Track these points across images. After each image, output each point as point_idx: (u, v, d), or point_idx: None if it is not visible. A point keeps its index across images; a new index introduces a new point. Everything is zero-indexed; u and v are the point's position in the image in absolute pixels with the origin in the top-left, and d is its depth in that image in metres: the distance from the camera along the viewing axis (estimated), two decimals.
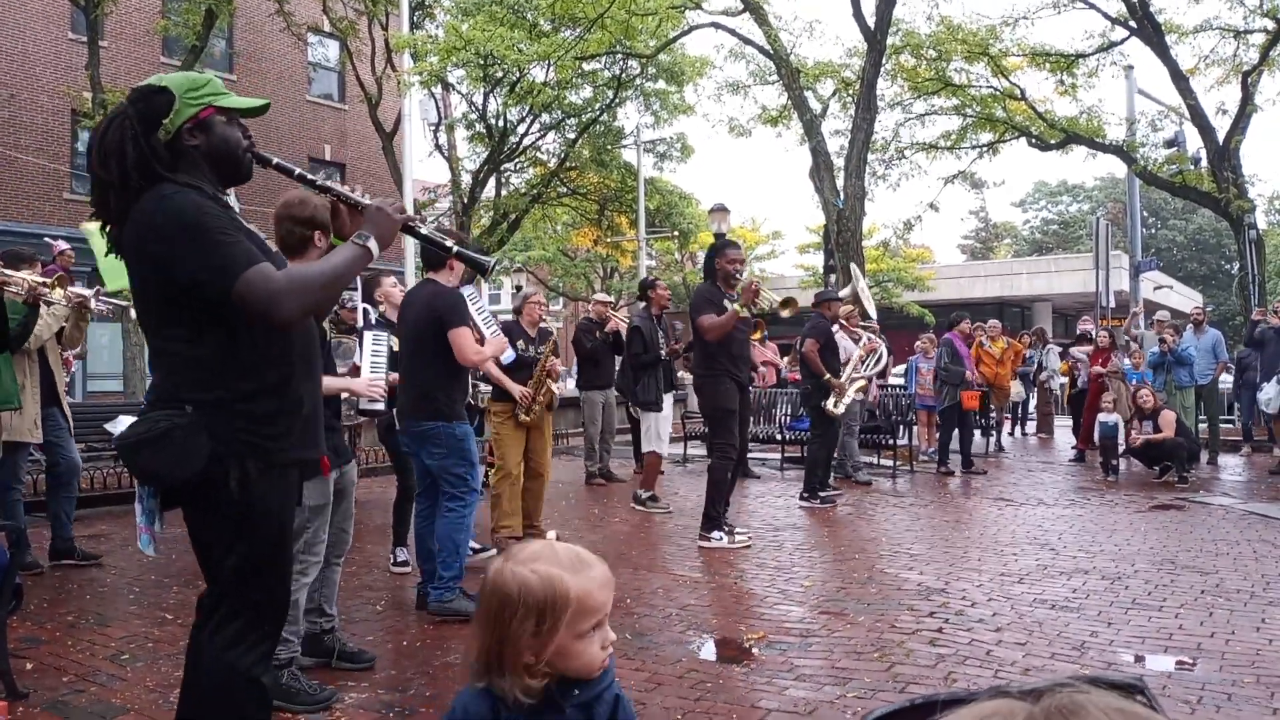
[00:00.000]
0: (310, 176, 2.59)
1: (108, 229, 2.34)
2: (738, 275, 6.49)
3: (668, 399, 8.71)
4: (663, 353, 8.56)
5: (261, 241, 2.43)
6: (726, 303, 6.33)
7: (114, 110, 2.36)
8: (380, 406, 4.69)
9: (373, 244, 2.40)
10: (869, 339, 9.16)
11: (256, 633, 2.35)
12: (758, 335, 10.10)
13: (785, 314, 6.74)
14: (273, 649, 2.43)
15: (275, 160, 2.52)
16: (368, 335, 4.69)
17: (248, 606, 2.34)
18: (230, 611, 2.33)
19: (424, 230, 2.70)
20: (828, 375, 8.22)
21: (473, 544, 5.82)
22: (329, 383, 3.62)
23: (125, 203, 2.27)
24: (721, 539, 6.31)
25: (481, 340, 5.16)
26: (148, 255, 2.25)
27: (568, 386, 14.17)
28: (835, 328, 8.85)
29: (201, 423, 2.23)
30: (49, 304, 5.42)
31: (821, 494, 8.14)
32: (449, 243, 2.79)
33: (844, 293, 10.43)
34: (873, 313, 10.07)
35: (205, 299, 2.22)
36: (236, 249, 2.22)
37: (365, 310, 5.17)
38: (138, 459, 2.28)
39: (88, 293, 5.75)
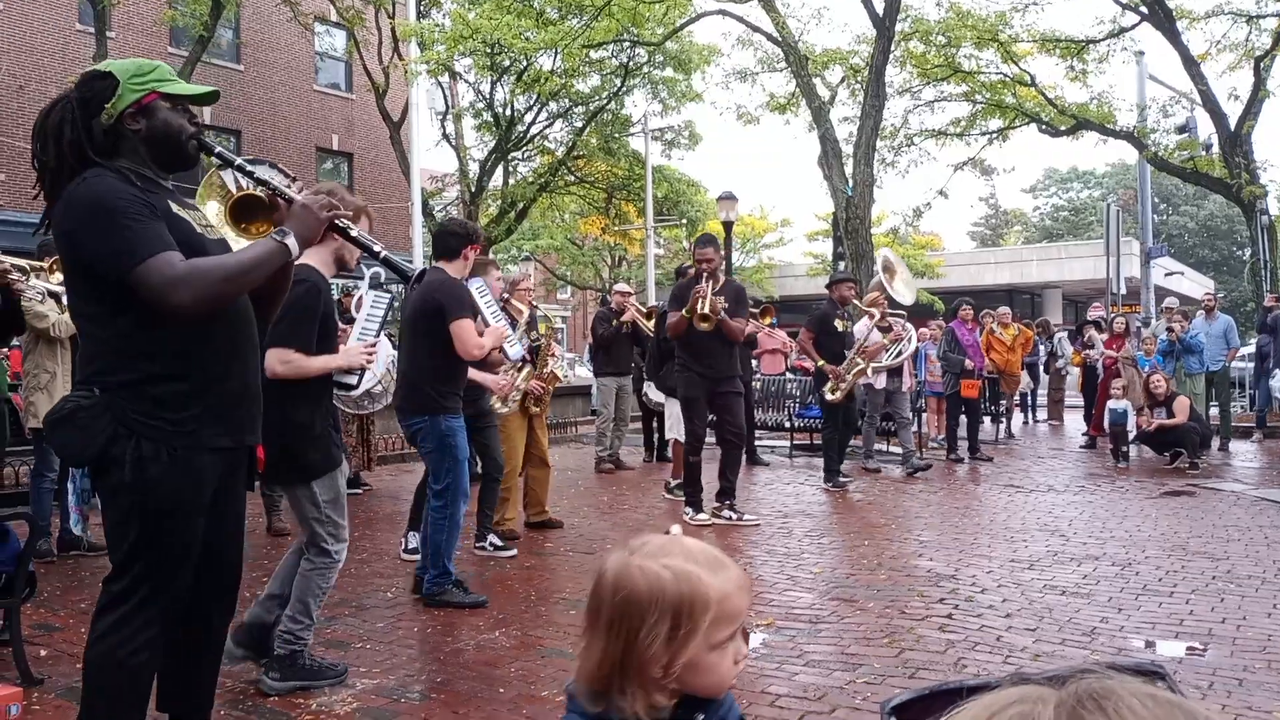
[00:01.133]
0: (249, 168, 2.58)
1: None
2: (704, 272, 6.63)
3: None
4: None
5: (190, 230, 2.40)
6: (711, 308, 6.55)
7: (60, 94, 2.40)
8: (354, 380, 4.13)
9: (291, 241, 2.39)
10: (900, 327, 9.03)
11: (141, 619, 2.33)
12: (767, 320, 10.07)
13: (703, 326, 6.62)
14: (157, 639, 2.37)
15: (218, 149, 2.54)
16: (368, 296, 4.43)
17: (136, 592, 2.33)
18: (117, 596, 2.33)
19: (353, 232, 2.63)
20: (821, 362, 8.27)
21: (494, 539, 5.79)
22: (312, 364, 3.50)
23: (59, 185, 2.32)
24: (688, 514, 6.72)
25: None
26: (65, 239, 2.30)
27: (576, 373, 14.16)
28: (866, 317, 8.85)
29: (106, 404, 2.27)
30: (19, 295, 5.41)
31: (838, 478, 8.33)
32: (376, 247, 2.68)
33: (872, 281, 10.32)
34: (905, 300, 9.70)
35: (107, 282, 2.25)
36: (143, 234, 2.22)
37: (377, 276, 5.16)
38: (52, 438, 2.39)
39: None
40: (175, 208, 2.39)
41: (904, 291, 9.70)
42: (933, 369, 11.64)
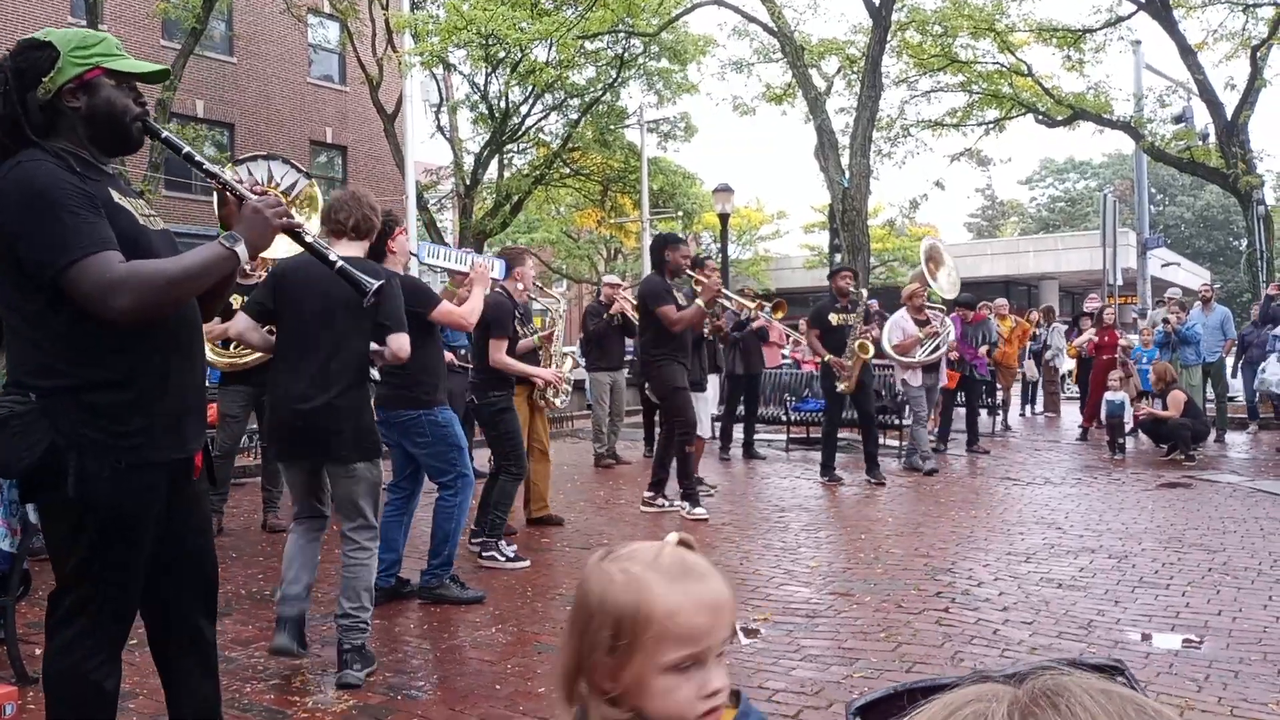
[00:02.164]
0: (199, 158, 2.42)
1: None
2: (686, 270, 6.84)
3: (712, 380, 8.52)
4: (705, 331, 8.10)
5: (132, 220, 2.20)
6: (695, 300, 6.70)
7: None
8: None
9: (240, 248, 2.21)
10: (938, 321, 8.87)
11: (97, 637, 2.20)
12: (779, 315, 10.01)
13: (761, 321, 7.05)
14: (116, 653, 2.25)
15: (165, 134, 2.36)
16: (421, 253, 4.67)
17: (86, 608, 2.18)
18: (69, 611, 2.19)
19: (308, 238, 2.48)
20: (828, 356, 8.23)
21: (504, 548, 5.52)
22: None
23: None
24: (663, 504, 6.85)
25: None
26: None
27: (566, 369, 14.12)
28: (903, 309, 8.82)
29: (43, 412, 2.07)
30: None
31: (831, 473, 8.33)
32: (332, 256, 2.57)
33: (912, 273, 10.17)
34: (946, 294, 9.41)
35: (43, 278, 2.04)
36: (80, 228, 2.02)
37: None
38: None
39: None
40: (116, 196, 2.18)
41: (946, 285, 9.38)
42: None
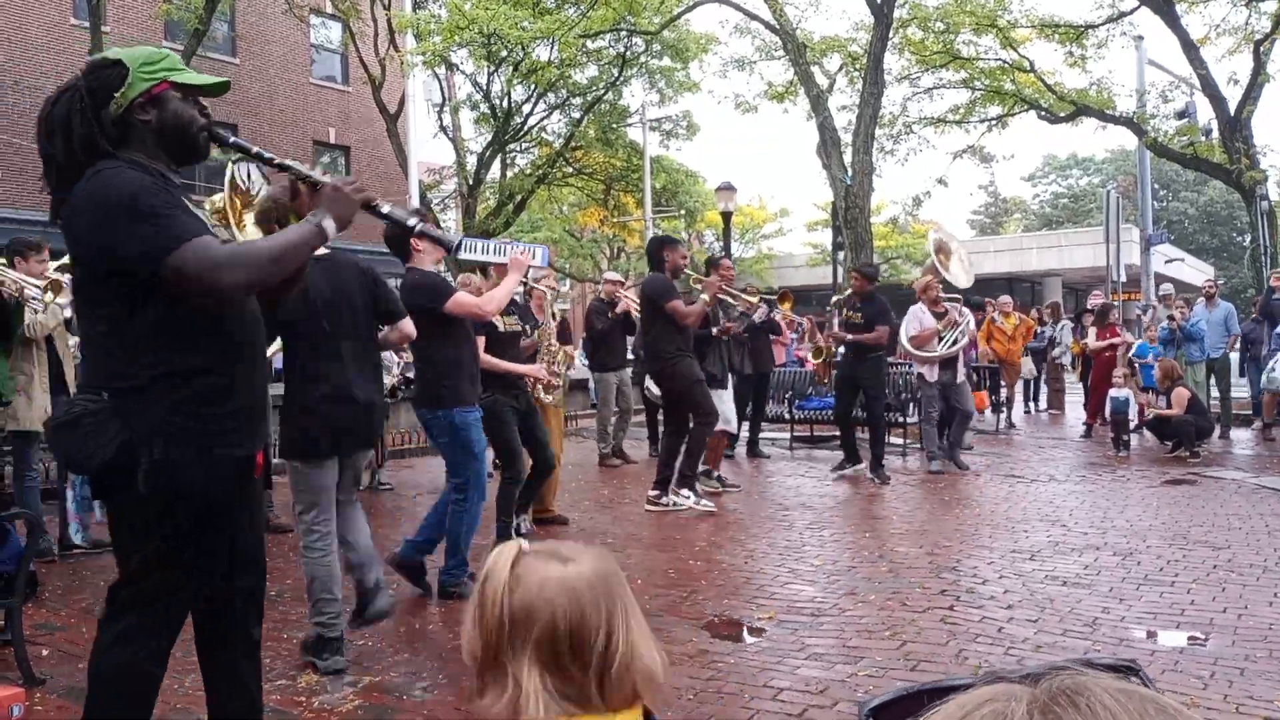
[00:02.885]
0: (268, 155, 2.53)
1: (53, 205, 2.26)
2: (685, 270, 7.11)
3: (730, 384, 8.40)
4: (714, 330, 7.94)
5: (206, 225, 2.31)
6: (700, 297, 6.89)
7: (66, 83, 2.28)
8: None
9: (328, 223, 2.34)
10: (956, 312, 8.67)
11: (154, 626, 2.26)
12: (787, 305, 10.02)
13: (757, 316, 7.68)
14: (166, 649, 2.30)
15: (232, 139, 2.47)
16: (463, 250, 4.67)
17: (146, 602, 2.24)
18: (129, 600, 2.25)
19: (385, 209, 2.58)
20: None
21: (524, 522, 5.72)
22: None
23: (69, 179, 2.20)
24: (690, 498, 6.76)
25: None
26: (77, 234, 2.18)
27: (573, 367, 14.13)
28: (919, 303, 8.76)
29: (116, 410, 2.15)
30: (26, 302, 5.41)
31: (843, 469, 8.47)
32: (411, 221, 2.66)
33: (924, 265, 10.03)
34: (960, 283, 9.15)
35: (135, 278, 2.14)
36: (173, 223, 2.14)
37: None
38: (56, 444, 2.27)
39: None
40: (190, 204, 2.30)
41: (960, 274, 9.19)
42: None
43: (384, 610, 3.89)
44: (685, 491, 6.77)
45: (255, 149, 2.52)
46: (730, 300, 8.04)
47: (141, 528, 2.23)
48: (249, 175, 5.31)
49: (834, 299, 9.32)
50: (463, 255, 5.20)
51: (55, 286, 5.41)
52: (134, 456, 2.14)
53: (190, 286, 2.13)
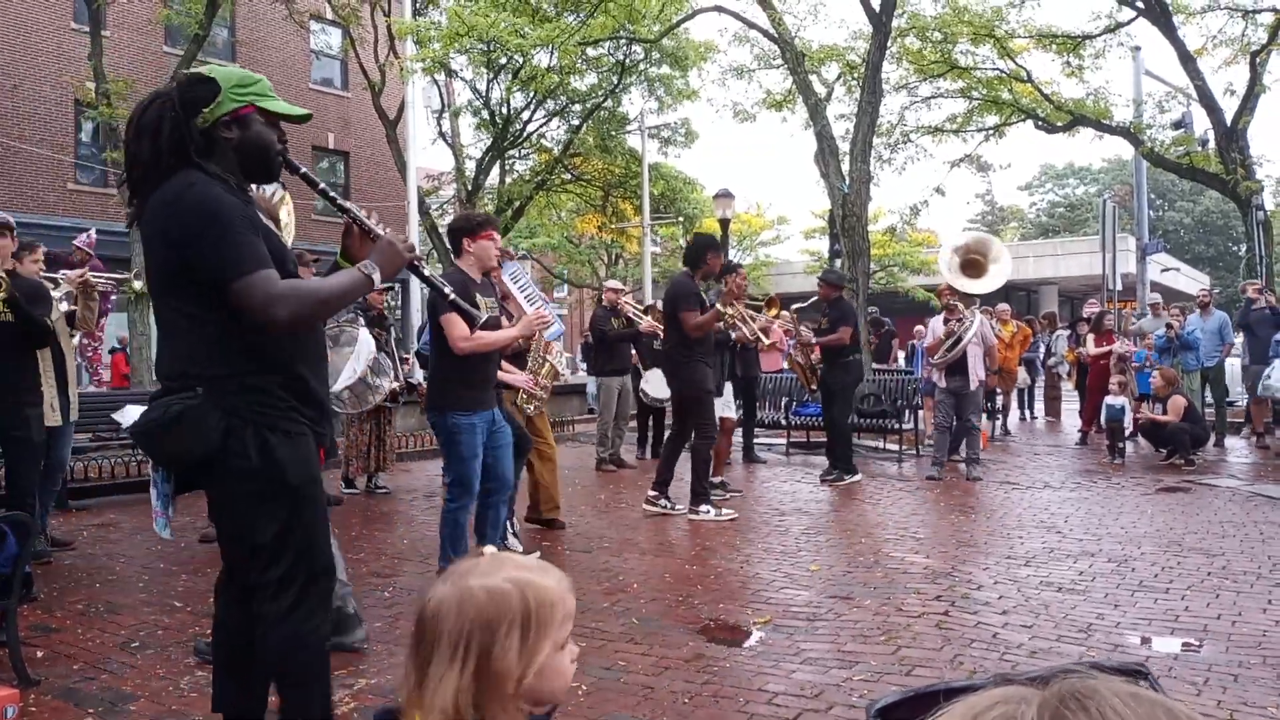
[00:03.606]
0: (332, 194, 2.69)
1: (131, 205, 2.43)
2: (718, 278, 7.18)
3: (728, 387, 8.39)
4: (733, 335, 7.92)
5: (278, 240, 2.51)
6: (713, 300, 6.96)
7: (156, 92, 2.43)
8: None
9: (376, 275, 2.50)
10: (966, 311, 8.65)
11: (310, 597, 2.40)
12: (773, 313, 10.02)
13: (772, 314, 7.96)
14: (327, 613, 2.46)
15: (303, 170, 2.63)
16: (506, 271, 4.66)
17: (295, 573, 2.38)
18: (280, 582, 2.37)
19: (426, 271, 2.81)
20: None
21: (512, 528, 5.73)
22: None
23: (153, 181, 2.34)
24: (710, 512, 6.72)
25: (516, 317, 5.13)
26: (165, 237, 2.31)
27: (570, 374, 14.17)
28: (943, 312, 8.87)
29: (211, 400, 2.30)
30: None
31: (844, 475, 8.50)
32: (447, 289, 2.88)
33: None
34: (960, 285, 8.99)
35: (210, 286, 2.29)
36: (247, 248, 2.29)
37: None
38: (156, 444, 2.35)
39: (74, 274, 5.79)
40: (260, 217, 2.47)
41: (972, 282, 9.05)
42: (929, 365, 11.65)
43: (360, 641, 3.88)
44: (705, 508, 6.75)
45: (322, 184, 2.71)
46: (740, 325, 7.93)
47: (259, 506, 2.35)
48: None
49: (794, 306, 9.38)
50: (504, 275, 5.37)
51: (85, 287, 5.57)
52: (240, 439, 2.30)
53: (246, 311, 2.29)
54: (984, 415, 11.40)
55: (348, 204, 2.67)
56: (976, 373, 8.60)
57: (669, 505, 6.86)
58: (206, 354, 2.33)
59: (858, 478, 8.48)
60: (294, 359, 2.44)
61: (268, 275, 2.30)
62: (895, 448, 10.47)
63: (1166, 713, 0.56)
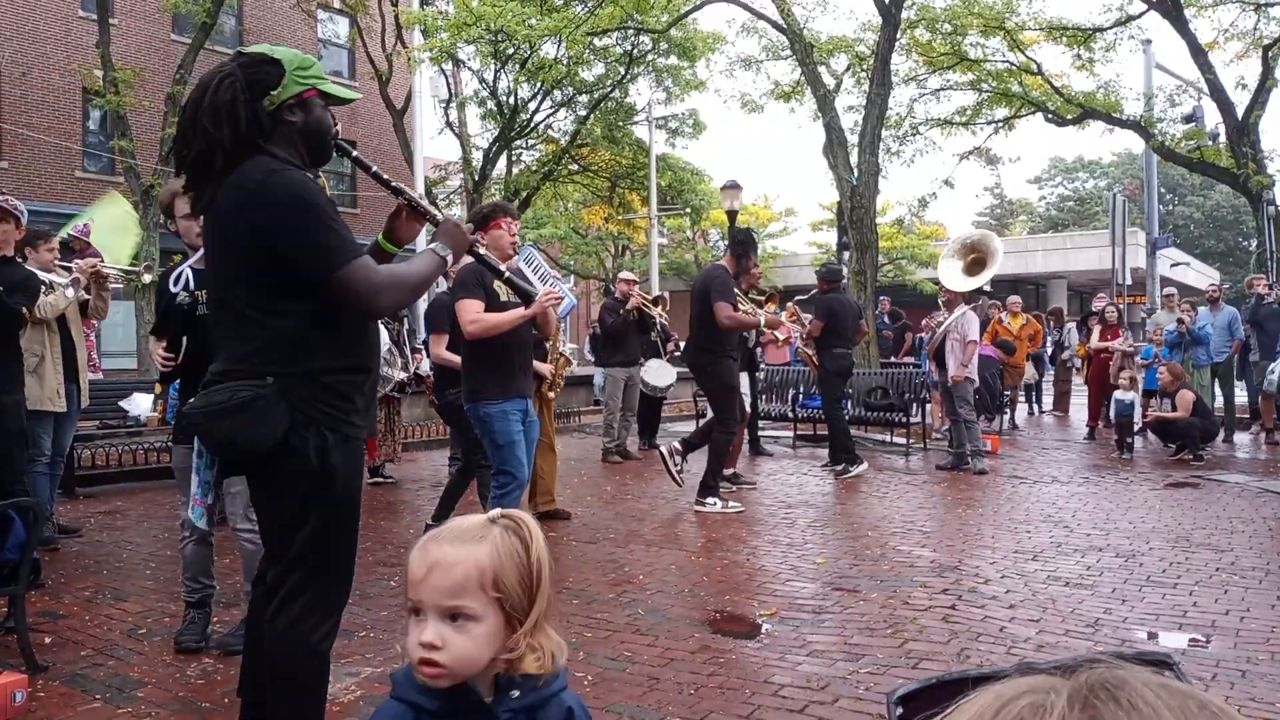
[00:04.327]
0: (385, 176, 2.65)
1: (195, 193, 2.35)
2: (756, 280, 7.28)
3: (744, 378, 8.42)
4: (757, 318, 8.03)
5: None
6: (752, 308, 7.11)
7: (219, 69, 2.34)
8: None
9: (449, 255, 2.52)
10: (933, 320, 8.92)
11: (324, 607, 2.36)
12: (771, 307, 10.10)
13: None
14: (337, 624, 2.42)
15: (355, 153, 2.61)
16: (520, 257, 4.67)
17: (317, 579, 2.34)
18: (298, 585, 2.32)
19: (481, 251, 2.88)
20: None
21: None
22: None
23: (229, 166, 2.27)
24: (716, 504, 6.72)
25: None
26: (251, 225, 2.24)
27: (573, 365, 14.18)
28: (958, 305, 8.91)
29: (281, 393, 2.25)
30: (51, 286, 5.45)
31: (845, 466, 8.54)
32: (501, 267, 2.98)
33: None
34: (949, 282, 9.07)
35: (301, 277, 2.26)
36: (345, 236, 2.29)
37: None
38: (216, 428, 2.28)
39: (86, 264, 5.79)
40: None
41: (960, 277, 9.15)
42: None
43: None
44: (712, 500, 6.76)
45: (374, 168, 2.65)
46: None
47: (301, 508, 2.31)
48: None
49: (795, 298, 9.49)
50: (519, 261, 5.32)
51: (99, 278, 5.59)
52: (303, 437, 2.26)
53: (352, 300, 2.28)
54: (995, 409, 11.39)
55: (404, 187, 2.64)
56: (955, 366, 8.66)
57: (716, 503, 6.77)
58: (282, 347, 2.27)
59: (863, 467, 8.47)
60: (366, 354, 2.43)
61: (367, 263, 2.29)
62: (903, 441, 10.45)
63: (1199, 705, 0.55)
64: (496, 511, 1.32)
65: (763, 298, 9.37)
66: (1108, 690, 0.55)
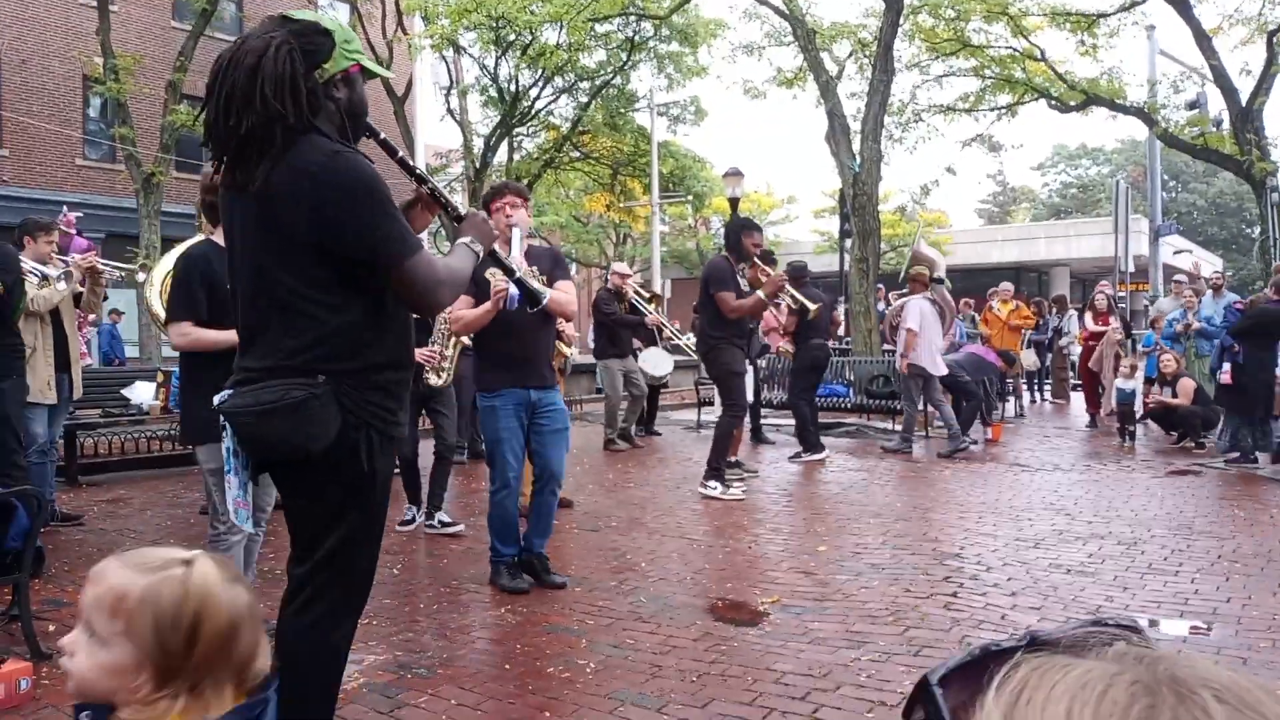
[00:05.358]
0: (411, 163, 2.55)
1: (239, 171, 2.14)
2: (754, 258, 7.01)
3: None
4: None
5: None
6: (745, 284, 6.85)
7: (268, 34, 2.14)
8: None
9: (480, 248, 2.47)
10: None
11: (346, 607, 2.31)
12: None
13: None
14: (355, 625, 2.38)
15: (383, 135, 2.48)
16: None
17: (341, 581, 2.27)
18: (325, 585, 2.25)
19: (497, 250, 2.84)
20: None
21: (442, 517, 5.86)
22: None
23: (288, 143, 2.09)
24: (718, 488, 6.77)
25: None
26: (316, 210, 2.09)
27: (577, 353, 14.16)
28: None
29: (333, 394, 2.15)
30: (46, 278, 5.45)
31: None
32: (514, 265, 2.98)
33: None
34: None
35: (365, 266, 2.14)
36: (407, 226, 2.22)
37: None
38: (268, 429, 2.14)
39: (82, 259, 5.80)
40: None
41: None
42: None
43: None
44: (714, 484, 6.80)
45: (401, 153, 2.50)
46: (784, 299, 8.04)
47: (339, 509, 2.24)
48: None
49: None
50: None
51: (94, 274, 5.59)
52: (353, 438, 2.18)
53: (412, 294, 2.21)
54: (997, 396, 11.38)
55: (428, 176, 2.56)
56: (898, 356, 9.18)
57: (719, 489, 6.81)
58: (335, 342, 2.16)
59: (822, 455, 8.66)
60: (409, 352, 2.37)
61: (426, 256, 2.20)
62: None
63: (1263, 692, 0.53)
64: (198, 553, 1.24)
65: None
66: (1179, 695, 0.52)
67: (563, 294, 4.40)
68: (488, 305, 4.29)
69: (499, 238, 2.67)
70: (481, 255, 2.48)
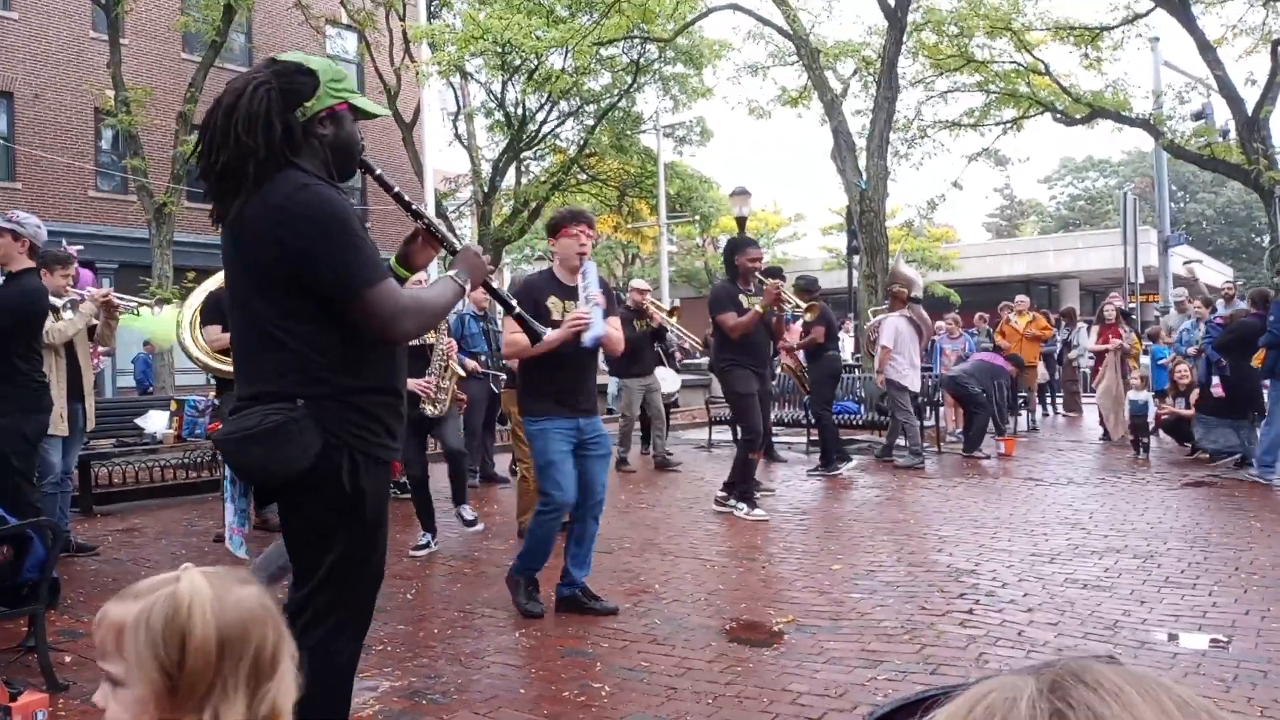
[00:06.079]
0: (407, 198, 2.58)
1: (218, 205, 2.25)
2: (756, 273, 6.95)
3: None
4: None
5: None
6: (743, 299, 6.79)
7: (252, 76, 2.24)
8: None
9: (467, 283, 2.49)
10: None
11: (349, 630, 2.32)
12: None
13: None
14: (359, 651, 2.39)
15: (379, 171, 2.50)
16: (581, 270, 4.50)
17: (339, 606, 2.29)
18: (326, 608, 2.27)
19: (494, 284, 2.85)
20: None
21: (464, 513, 6.34)
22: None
23: (260, 178, 2.17)
24: (744, 509, 6.78)
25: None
26: (281, 243, 2.16)
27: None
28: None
29: (312, 417, 2.20)
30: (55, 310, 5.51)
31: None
32: (513, 303, 2.97)
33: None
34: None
35: (327, 296, 2.21)
36: (373, 256, 2.23)
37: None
38: (249, 454, 2.21)
39: (99, 293, 5.87)
40: None
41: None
42: (947, 362, 11.61)
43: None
44: (742, 506, 6.80)
45: (396, 188, 2.54)
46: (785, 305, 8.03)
47: (329, 532, 2.28)
48: None
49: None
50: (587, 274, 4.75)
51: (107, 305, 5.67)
52: (334, 461, 2.22)
53: (372, 324, 2.23)
54: (1010, 409, 11.33)
55: (424, 211, 2.58)
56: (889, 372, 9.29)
57: (739, 508, 6.80)
58: (310, 368, 2.21)
59: (848, 465, 8.84)
60: (393, 376, 2.38)
61: (393, 286, 2.25)
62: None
63: (1156, 684, 0.58)
64: (187, 566, 1.20)
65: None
66: (1074, 675, 0.59)
67: (615, 330, 4.52)
68: (563, 335, 4.24)
69: (492, 273, 2.69)
70: (466, 290, 2.49)
